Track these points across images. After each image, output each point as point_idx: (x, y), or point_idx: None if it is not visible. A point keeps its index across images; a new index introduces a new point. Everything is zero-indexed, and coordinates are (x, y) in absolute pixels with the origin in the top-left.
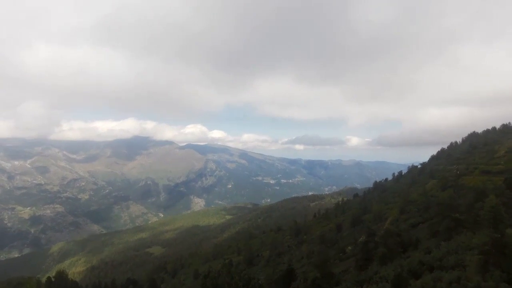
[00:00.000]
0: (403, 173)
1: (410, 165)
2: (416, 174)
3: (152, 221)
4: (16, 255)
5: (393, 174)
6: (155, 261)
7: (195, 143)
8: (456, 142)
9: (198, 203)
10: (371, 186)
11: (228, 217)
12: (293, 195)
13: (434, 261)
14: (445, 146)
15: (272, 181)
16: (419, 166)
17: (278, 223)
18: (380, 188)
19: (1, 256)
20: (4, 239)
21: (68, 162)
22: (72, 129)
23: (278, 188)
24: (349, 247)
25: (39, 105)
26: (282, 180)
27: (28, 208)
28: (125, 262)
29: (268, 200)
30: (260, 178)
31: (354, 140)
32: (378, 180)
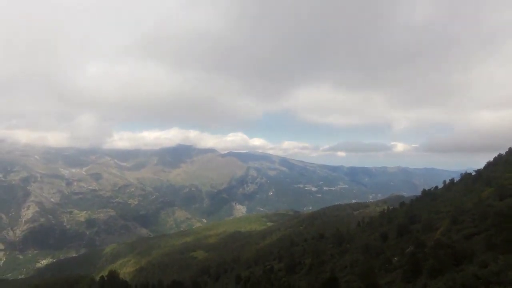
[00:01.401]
0: (455, 181)
1: (463, 172)
2: (470, 181)
3: (196, 226)
4: (74, 255)
5: (444, 181)
6: (199, 264)
7: (237, 151)
8: None
9: (240, 210)
10: (419, 194)
11: (269, 223)
12: (336, 203)
13: (491, 276)
14: (503, 152)
15: (313, 189)
16: (473, 173)
17: (320, 231)
18: (430, 196)
19: (61, 256)
20: (63, 240)
21: (119, 169)
22: (122, 139)
23: (320, 195)
24: (396, 258)
25: (92, 117)
26: (324, 188)
27: (84, 211)
28: (170, 265)
29: (310, 208)
30: (301, 185)
31: (400, 146)
32: (426, 187)
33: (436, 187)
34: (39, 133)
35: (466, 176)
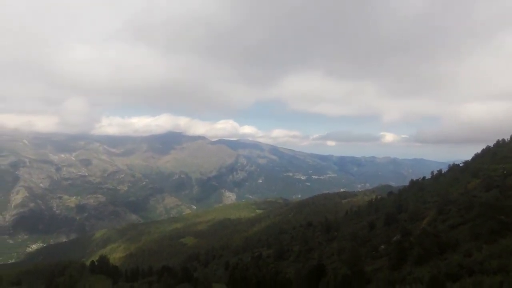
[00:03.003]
0: (443, 172)
1: (451, 163)
2: (457, 172)
3: (186, 213)
4: (64, 240)
5: (432, 172)
6: (188, 250)
7: (227, 138)
8: (503, 140)
9: (229, 197)
10: (407, 184)
11: (258, 211)
12: (324, 192)
13: (475, 265)
14: (491, 144)
15: (303, 177)
16: (461, 165)
17: (309, 218)
18: (417, 186)
19: (51, 240)
20: (53, 225)
21: (108, 155)
22: (111, 125)
23: (309, 184)
24: (382, 246)
25: (81, 102)
26: (313, 176)
27: (74, 197)
28: (160, 251)
29: (299, 196)
30: (290, 173)
31: (389, 137)
32: (415, 178)
33: (424, 177)
34: (27, 118)
35: (454, 167)
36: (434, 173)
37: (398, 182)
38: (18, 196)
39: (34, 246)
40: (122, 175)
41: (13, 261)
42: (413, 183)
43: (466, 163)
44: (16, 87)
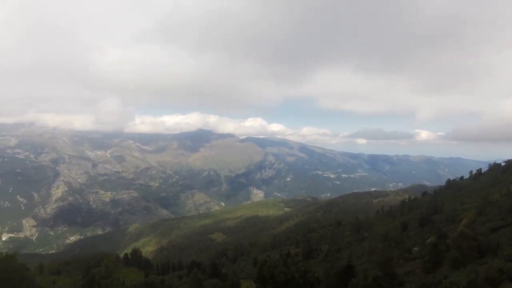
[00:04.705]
0: (482, 171)
1: (491, 162)
2: (499, 172)
3: (214, 209)
4: (100, 233)
5: (471, 172)
6: (217, 246)
7: (255, 136)
8: None
9: (257, 194)
10: (443, 184)
11: (286, 209)
12: (354, 191)
13: None
14: None
15: (332, 175)
16: (502, 164)
17: (338, 218)
18: (455, 186)
19: (88, 233)
20: (90, 218)
21: (140, 152)
22: (144, 123)
23: (338, 182)
24: (416, 248)
25: (115, 102)
26: (343, 175)
27: (109, 192)
28: (190, 246)
29: (328, 195)
30: (320, 172)
31: (424, 134)
32: (452, 177)
33: (462, 177)
34: (66, 117)
35: (494, 167)
36: (473, 173)
37: (433, 182)
38: (58, 191)
39: (73, 238)
40: (154, 172)
41: (53, 251)
42: (450, 183)
43: (508, 162)
44: (56, 88)
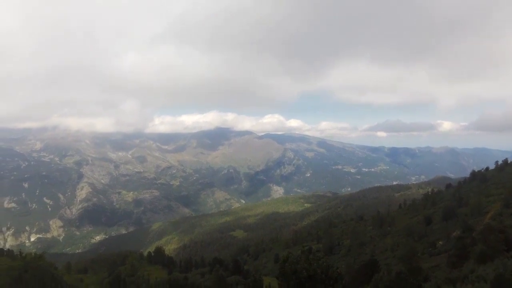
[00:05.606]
0: (508, 161)
1: None
2: None
3: (235, 207)
4: (123, 232)
5: (496, 162)
6: (238, 243)
7: (273, 133)
8: None
9: (277, 191)
10: (468, 176)
11: (307, 205)
12: (376, 185)
13: None
14: None
15: (352, 170)
16: None
17: (360, 212)
18: (480, 178)
19: (112, 232)
20: (114, 218)
21: (161, 152)
22: (163, 123)
23: (359, 177)
24: (440, 242)
25: (134, 104)
26: (363, 169)
27: (131, 192)
28: (212, 243)
29: (349, 189)
30: (339, 166)
31: (447, 125)
32: (476, 169)
33: (487, 168)
34: (88, 120)
35: None
36: (499, 163)
37: (457, 173)
38: (82, 192)
39: (98, 238)
40: (174, 171)
41: (79, 251)
42: (474, 174)
43: None
44: (77, 92)
